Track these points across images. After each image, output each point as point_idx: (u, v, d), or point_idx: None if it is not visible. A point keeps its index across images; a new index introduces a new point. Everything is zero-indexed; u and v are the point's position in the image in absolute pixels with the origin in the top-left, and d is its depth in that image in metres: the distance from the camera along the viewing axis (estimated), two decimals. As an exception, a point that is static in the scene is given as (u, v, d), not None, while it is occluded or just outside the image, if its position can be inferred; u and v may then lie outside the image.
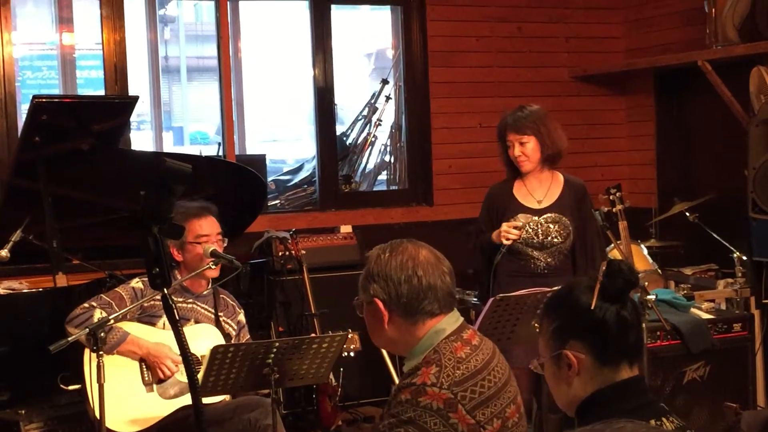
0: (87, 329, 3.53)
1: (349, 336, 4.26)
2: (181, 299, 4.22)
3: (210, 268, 4.16)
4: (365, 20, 9.13)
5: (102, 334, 3.52)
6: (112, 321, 3.67)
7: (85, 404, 3.99)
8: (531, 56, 6.92)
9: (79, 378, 4.02)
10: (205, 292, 4.31)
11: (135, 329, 4.09)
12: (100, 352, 3.50)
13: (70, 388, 4.20)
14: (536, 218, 4.60)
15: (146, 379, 4.07)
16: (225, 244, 4.31)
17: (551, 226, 4.60)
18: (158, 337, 4.08)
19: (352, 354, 4.34)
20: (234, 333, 4.34)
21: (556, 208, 4.63)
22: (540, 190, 4.67)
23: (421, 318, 2.47)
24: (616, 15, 7.16)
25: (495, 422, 2.40)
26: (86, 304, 4.03)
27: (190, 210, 4.22)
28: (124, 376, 4.02)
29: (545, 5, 6.94)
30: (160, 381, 4.07)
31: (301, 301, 5.50)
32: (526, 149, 4.60)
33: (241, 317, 4.41)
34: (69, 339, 3.62)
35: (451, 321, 2.50)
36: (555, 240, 4.59)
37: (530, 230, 4.59)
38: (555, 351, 2.12)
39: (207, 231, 4.23)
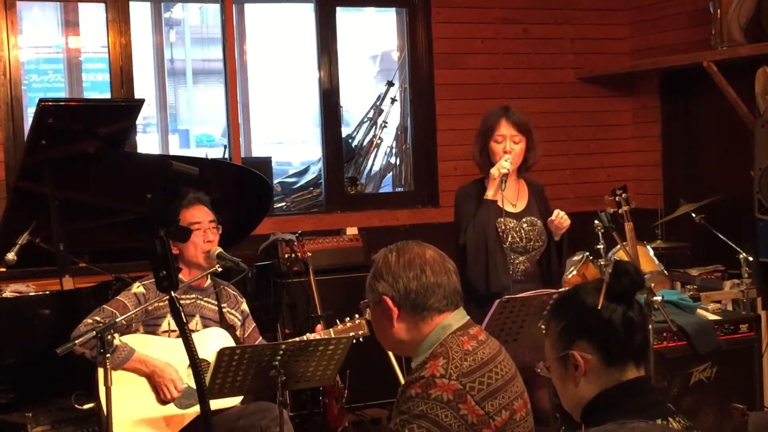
0: (94, 331, 3.53)
1: (357, 322, 4.26)
2: (184, 295, 4.20)
3: (217, 270, 4.16)
4: (370, 22, 9.15)
5: (109, 337, 3.52)
6: (120, 321, 3.69)
7: (98, 422, 3.97)
8: (536, 58, 6.92)
9: (93, 396, 4.02)
10: (205, 286, 4.31)
11: (143, 341, 4.07)
12: (107, 355, 3.51)
13: (85, 407, 4.20)
14: (517, 222, 4.44)
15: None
16: (220, 231, 4.30)
17: (531, 230, 4.45)
18: (166, 346, 4.07)
19: (361, 340, 4.31)
20: (239, 324, 4.33)
21: (530, 212, 4.50)
22: (511, 194, 4.47)
23: (429, 314, 2.50)
24: (621, 16, 7.16)
25: (503, 413, 2.42)
26: (89, 320, 3.99)
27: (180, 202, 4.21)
28: (139, 389, 4.01)
29: (550, 7, 6.94)
30: None
31: (308, 303, 5.49)
32: (516, 149, 4.41)
33: (244, 306, 4.41)
34: (76, 342, 3.63)
35: (458, 317, 2.54)
36: (537, 244, 4.44)
37: (515, 235, 4.41)
38: (561, 352, 2.12)
39: (198, 218, 4.22)
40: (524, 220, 4.46)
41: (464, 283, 4.35)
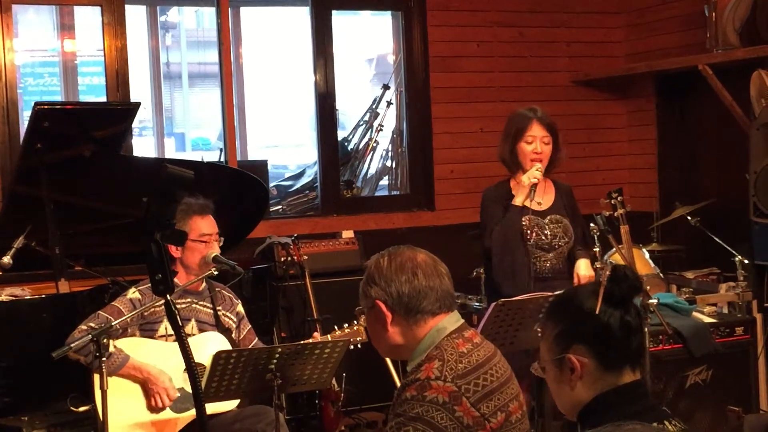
0: (90, 335, 3.53)
1: (355, 328, 4.26)
2: (179, 299, 4.18)
3: (213, 273, 4.16)
4: (366, 26, 9.16)
5: (105, 340, 3.52)
6: (116, 324, 3.70)
7: (95, 426, 3.97)
8: (532, 61, 6.92)
9: (89, 399, 4.01)
10: (201, 289, 4.30)
11: (139, 345, 4.06)
12: (103, 359, 3.50)
13: (81, 409, 4.20)
14: (542, 220, 4.52)
15: None
16: (221, 244, 4.31)
17: (556, 227, 4.55)
18: (162, 350, 4.07)
19: (359, 346, 4.32)
20: (234, 325, 4.33)
21: (555, 210, 4.59)
22: (537, 192, 4.50)
23: (422, 317, 2.51)
24: (616, 19, 7.16)
25: (499, 415, 2.43)
26: (84, 326, 3.97)
27: (193, 207, 4.20)
28: (135, 393, 4.01)
29: (546, 10, 6.94)
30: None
31: (304, 307, 5.50)
32: (545, 150, 4.51)
33: (240, 308, 4.40)
34: (72, 346, 3.62)
35: (452, 320, 2.55)
36: (561, 242, 4.54)
37: (539, 232, 4.49)
38: (558, 355, 2.12)
39: (209, 230, 4.23)
40: (549, 217, 4.55)
41: (490, 285, 4.47)
